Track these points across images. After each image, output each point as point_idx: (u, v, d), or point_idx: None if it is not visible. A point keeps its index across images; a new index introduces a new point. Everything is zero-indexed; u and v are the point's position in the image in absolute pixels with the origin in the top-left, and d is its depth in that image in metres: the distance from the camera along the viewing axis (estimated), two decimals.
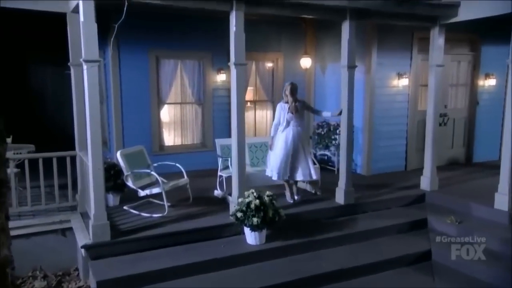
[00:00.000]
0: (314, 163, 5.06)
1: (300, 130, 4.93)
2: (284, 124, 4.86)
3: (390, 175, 6.38)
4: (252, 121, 7.57)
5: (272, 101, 7.63)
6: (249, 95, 7.63)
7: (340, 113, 4.98)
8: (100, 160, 4.08)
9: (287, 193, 5.17)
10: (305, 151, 4.88)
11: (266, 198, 4.26)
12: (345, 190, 5.17)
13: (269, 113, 7.70)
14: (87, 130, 4.12)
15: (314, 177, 4.89)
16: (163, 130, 7.07)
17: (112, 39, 4.69)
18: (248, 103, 7.55)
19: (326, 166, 7.03)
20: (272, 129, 5.05)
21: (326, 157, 7.19)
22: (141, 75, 6.68)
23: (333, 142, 6.69)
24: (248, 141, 5.60)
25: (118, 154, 5.03)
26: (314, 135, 7.22)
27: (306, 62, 7.56)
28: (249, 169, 5.32)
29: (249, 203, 4.16)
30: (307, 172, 4.87)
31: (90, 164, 4.10)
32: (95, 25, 3.81)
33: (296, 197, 5.03)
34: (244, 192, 4.30)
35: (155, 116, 7.00)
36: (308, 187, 5.69)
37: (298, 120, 4.92)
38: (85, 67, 3.94)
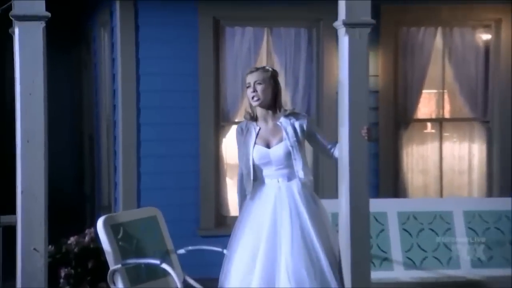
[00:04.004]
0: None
1: (294, 184, 5.00)
2: (251, 174, 5.01)
3: None
4: (435, 162, 7.70)
5: (487, 120, 7.85)
6: (429, 105, 7.86)
7: (368, 134, 4.91)
8: (42, 229, 4.28)
9: None
10: (305, 235, 4.88)
11: None
12: None
13: (476, 146, 7.84)
14: (17, 158, 4.36)
15: None
16: (227, 180, 7.27)
17: None
18: (428, 124, 7.84)
19: None
20: (238, 190, 5.31)
21: None
22: (181, 60, 6.97)
23: None
24: (406, 207, 5.88)
25: (100, 224, 4.99)
26: None
27: None
28: (399, 272, 5.43)
29: None
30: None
31: (18, 239, 4.39)
32: None
33: None
34: None
35: (209, 151, 7.12)
36: None
37: (285, 161, 4.97)
38: (16, 29, 4.24)
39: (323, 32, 7.25)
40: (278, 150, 4.96)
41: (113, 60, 7.27)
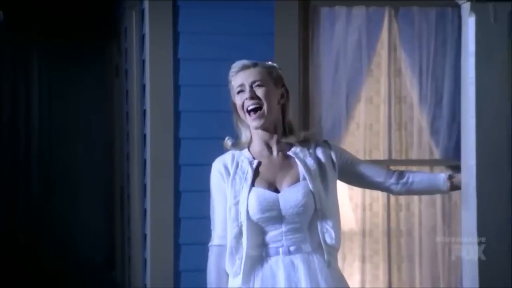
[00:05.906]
0: None
1: (317, 260, 4.27)
2: (243, 238, 4.27)
3: None
4: None
5: None
6: None
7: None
8: None
9: None
10: None
11: None
12: None
13: None
14: None
15: None
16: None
17: None
18: None
19: None
20: (211, 273, 4.46)
21: None
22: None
23: None
24: None
25: None
26: None
27: None
28: None
29: None
30: None
31: None
32: None
33: None
34: None
35: None
36: None
37: (304, 215, 4.28)
38: None
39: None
40: (293, 195, 4.17)
41: (143, 63, 6.71)
